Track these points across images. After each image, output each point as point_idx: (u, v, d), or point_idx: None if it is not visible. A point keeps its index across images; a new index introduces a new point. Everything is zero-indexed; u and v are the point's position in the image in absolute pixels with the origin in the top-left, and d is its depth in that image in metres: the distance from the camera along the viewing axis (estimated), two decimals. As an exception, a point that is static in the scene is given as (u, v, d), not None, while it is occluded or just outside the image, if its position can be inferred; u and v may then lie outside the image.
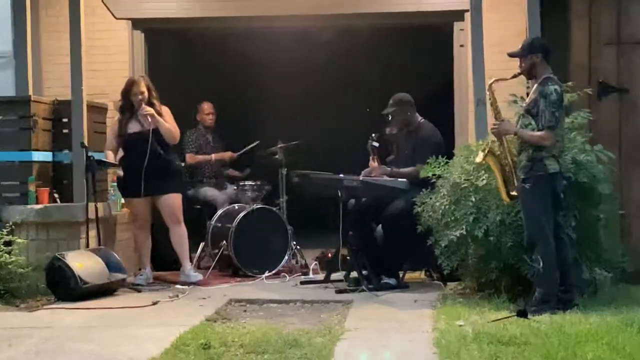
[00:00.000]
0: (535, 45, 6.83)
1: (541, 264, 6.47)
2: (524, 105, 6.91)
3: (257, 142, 9.94)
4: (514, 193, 6.73)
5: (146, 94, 8.31)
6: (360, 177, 8.11)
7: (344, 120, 13.45)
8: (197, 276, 8.38)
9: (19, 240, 7.71)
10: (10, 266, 7.42)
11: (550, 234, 6.56)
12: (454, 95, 9.62)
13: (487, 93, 6.95)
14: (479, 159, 6.88)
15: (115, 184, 8.64)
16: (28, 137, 8.31)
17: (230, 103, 11.89)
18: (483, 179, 7.12)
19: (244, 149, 10.09)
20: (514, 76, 6.97)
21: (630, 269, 7.49)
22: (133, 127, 8.32)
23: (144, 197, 8.29)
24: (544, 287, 6.52)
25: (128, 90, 8.35)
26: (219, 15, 9.74)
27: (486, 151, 6.77)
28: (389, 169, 8.27)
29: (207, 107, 10.08)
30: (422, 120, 8.40)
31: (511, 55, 6.95)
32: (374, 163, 8.33)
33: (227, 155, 10.09)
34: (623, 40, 8.49)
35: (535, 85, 6.74)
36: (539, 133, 6.58)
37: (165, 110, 8.42)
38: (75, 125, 8.47)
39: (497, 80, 6.92)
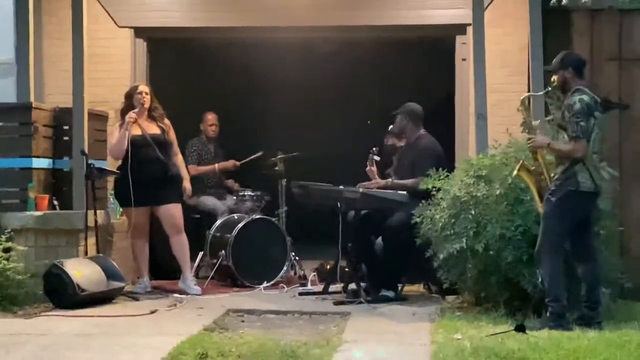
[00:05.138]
0: (565, 60, 6.77)
1: (548, 278, 6.45)
2: (556, 120, 6.89)
3: (261, 152, 9.91)
4: None
5: (149, 95, 8.38)
6: (360, 189, 8.11)
7: (345, 131, 13.47)
8: (197, 289, 8.32)
9: (17, 247, 7.71)
10: (8, 273, 7.40)
11: (559, 252, 6.52)
12: (455, 108, 9.64)
13: (520, 108, 6.92)
14: (513, 174, 6.86)
15: (113, 192, 8.63)
16: (28, 143, 8.31)
17: (231, 113, 11.89)
18: (483, 192, 7.12)
19: (247, 159, 10.07)
20: (546, 92, 7.04)
21: (629, 285, 7.47)
22: (134, 131, 8.30)
23: (141, 206, 8.27)
24: (557, 302, 6.46)
25: (131, 93, 8.40)
26: (222, 25, 9.75)
27: (519, 166, 6.76)
28: (390, 180, 8.29)
29: (211, 117, 10.06)
30: (423, 132, 8.42)
31: (548, 71, 6.99)
32: (373, 168, 8.34)
33: (231, 164, 10.06)
34: (624, 56, 8.52)
35: (565, 99, 6.72)
36: (567, 145, 6.55)
37: (168, 123, 8.50)
38: (76, 132, 8.47)
39: (528, 96, 6.95)
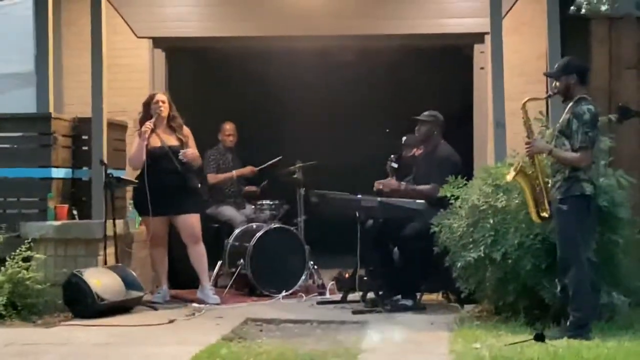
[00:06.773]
0: (570, 66, 6.70)
1: (573, 287, 6.40)
2: (557, 125, 6.82)
3: (280, 157, 9.90)
4: (544, 214, 6.63)
5: (167, 104, 8.38)
6: (378, 199, 8.11)
7: (363, 140, 13.46)
8: (216, 299, 8.31)
9: (37, 256, 7.73)
10: (28, 282, 7.43)
11: (585, 257, 6.47)
12: (473, 117, 9.62)
13: (521, 111, 6.85)
14: (509, 177, 6.82)
15: (132, 201, 8.66)
16: (48, 153, 8.35)
17: (249, 122, 11.91)
18: (502, 201, 7.10)
19: (266, 164, 10.06)
20: (549, 96, 6.99)
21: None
22: (153, 142, 8.33)
23: (160, 216, 8.29)
24: (580, 311, 6.40)
25: (148, 102, 8.42)
26: (239, 35, 9.80)
27: (517, 170, 6.72)
28: (403, 184, 8.28)
29: (228, 127, 10.05)
30: (442, 141, 8.42)
31: (547, 75, 6.90)
32: (392, 181, 8.34)
33: (248, 170, 10.04)
34: (643, 64, 8.49)
35: (569, 106, 6.63)
36: (573, 154, 6.49)
37: (187, 131, 8.48)
38: (95, 142, 8.52)
39: (530, 100, 6.87)
